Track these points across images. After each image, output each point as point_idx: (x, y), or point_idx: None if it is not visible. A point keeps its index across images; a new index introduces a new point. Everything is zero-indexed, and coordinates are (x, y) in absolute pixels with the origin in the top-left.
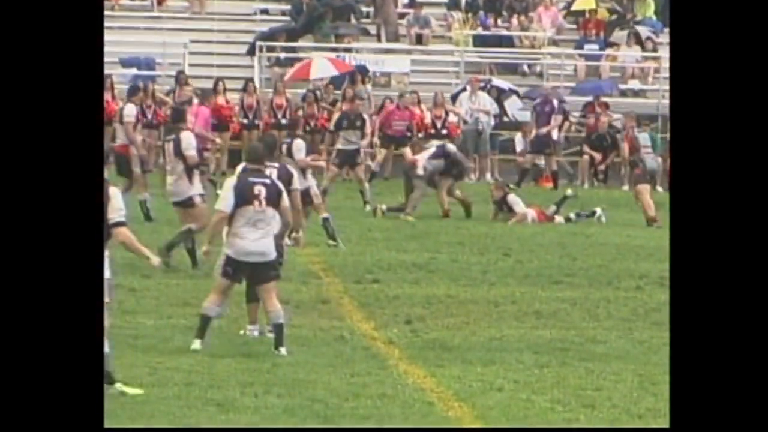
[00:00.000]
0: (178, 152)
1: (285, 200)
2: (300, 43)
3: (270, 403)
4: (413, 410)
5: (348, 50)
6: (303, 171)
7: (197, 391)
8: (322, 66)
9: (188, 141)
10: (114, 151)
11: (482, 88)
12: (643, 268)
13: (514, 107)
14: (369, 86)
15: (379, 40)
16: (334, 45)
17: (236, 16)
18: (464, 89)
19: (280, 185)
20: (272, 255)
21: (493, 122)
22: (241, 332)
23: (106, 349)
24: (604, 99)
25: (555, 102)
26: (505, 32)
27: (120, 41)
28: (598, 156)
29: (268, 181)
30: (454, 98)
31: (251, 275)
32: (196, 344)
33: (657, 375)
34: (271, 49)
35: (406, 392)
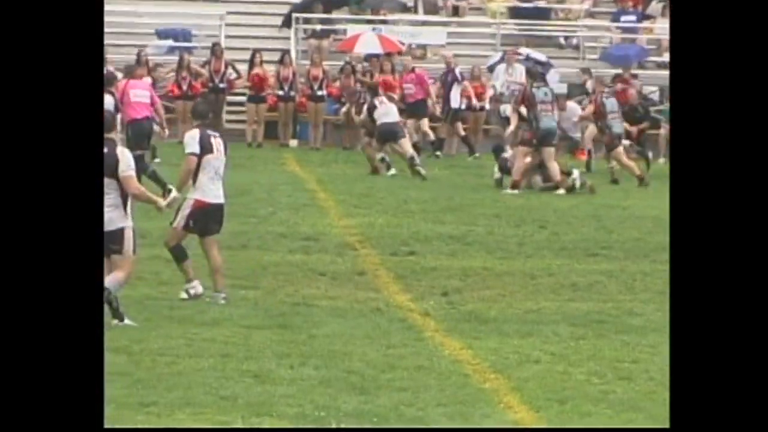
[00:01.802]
0: None
1: (124, 171)
2: (336, 15)
3: (306, 374)
4: (449, 382)
5: (384, 22)
6: None
7: (233, 363)
8: (369, 41)
9: None
10: None
11: (520, 60)
12: None
13: (553, 80)
14: (405, 59)
15: (415, 12)
16: (370, 17)
17: None
18: (501, 61)
19: (120, 156)
20: (110, 226)
21: None
22: (183, 295)
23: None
24: (637, 70)
25: (457, 71)
26: (541, 4)
27: (156, 12)
28: (633, 129)
29: (105, 150)
30: (491, 69)
31: None
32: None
33: None
34: (307, 21)
35: (442, 364)
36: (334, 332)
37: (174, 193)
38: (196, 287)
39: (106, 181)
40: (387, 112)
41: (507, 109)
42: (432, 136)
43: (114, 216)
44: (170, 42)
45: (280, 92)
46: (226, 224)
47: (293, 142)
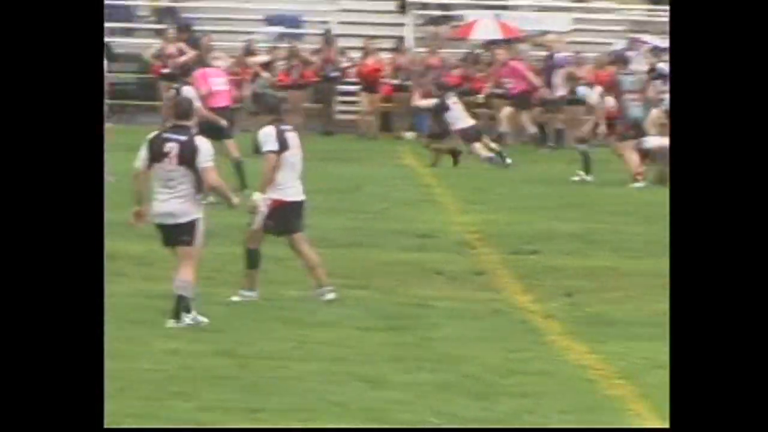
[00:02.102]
0: None
1: (204, 162)
2: (454, 0)
3: (421, 379)
4: (573, 388)
5: (504, 8)
6: None
7: (345, 367)
8: (488, 27)
9: None
10: None
11: (652, 50)
12: None
13: None
14: (526, 46)
15: None
16: (489, 2)
17: None
18: (628, 49)
19: (199, 146)
20: (183, 217)
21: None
22: (235, 298)
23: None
24: None
25: (556, 57)
26: None
27: None
28: None
29: (183, 138)
30: (613, 62)
31: (165, 239)
32: (171, 323)
33: None
34: (423, 7)
35: (565, 369)
36: (451, 335)
37: (256, 195)
38: (252, 297)
39: (182, 170)
40: (460, 116)
41: (587, 92)
42: (533, 129)
43: (187, 207)
44: (280, 28)
45: (396, 82)
46: (338, 221)
47: (409, 135)
